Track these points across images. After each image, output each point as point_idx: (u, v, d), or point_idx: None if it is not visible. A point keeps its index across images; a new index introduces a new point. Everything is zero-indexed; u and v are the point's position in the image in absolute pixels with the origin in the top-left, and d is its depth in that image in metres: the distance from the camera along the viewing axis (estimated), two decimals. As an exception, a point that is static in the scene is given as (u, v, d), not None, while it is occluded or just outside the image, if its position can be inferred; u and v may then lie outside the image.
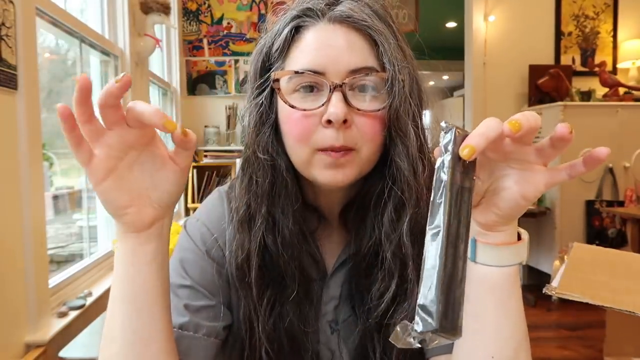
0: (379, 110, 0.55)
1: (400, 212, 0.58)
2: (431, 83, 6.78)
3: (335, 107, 0.53)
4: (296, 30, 0.57)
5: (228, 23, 3.68)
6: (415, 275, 0.58)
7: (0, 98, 1.31)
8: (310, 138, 0.55)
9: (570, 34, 3.74)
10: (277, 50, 0.58)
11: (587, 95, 3.48)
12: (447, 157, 0.39)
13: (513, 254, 0.46)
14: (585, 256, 0.93)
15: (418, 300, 0.37)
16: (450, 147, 0.39)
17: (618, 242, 3.27)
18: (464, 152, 0.37)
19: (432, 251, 0.38)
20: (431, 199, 0.39)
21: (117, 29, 2.33)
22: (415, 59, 0.62)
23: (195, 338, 0.58)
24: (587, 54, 3.74)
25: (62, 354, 1.29)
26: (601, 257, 0.95)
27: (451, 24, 5.73)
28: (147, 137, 0.46)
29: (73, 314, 1.57)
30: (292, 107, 0.55)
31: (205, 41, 3.66)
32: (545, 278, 3.27)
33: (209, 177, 3.33)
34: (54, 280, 1.66)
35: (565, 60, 3.70)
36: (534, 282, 3.55)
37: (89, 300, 1.69)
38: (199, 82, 3.67)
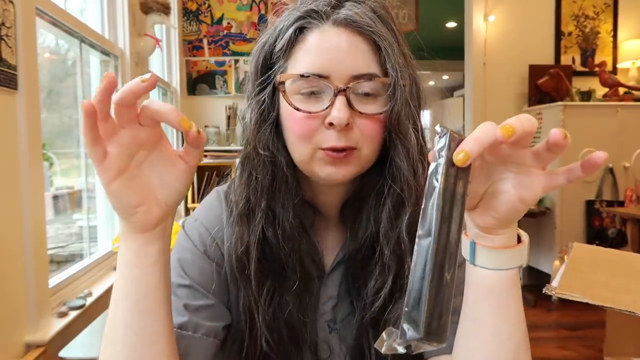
0: (380, 113, 0.57)
1: (400, 210, 0.59)
2: (431, 83, 6.77)
3: (339, 112, 0.53)
4: (300, 31, 0.58)
5: (228, 23, 3.67)
6: None
7: (0, 98, 1.31)
8: (312, 137, 0.56)
9: (570, 34, 3.73)
10: (280, 49, 0.59)
11: (587, 95, 3.47)
12: (441, 162, 0.38)
13: (512, 257, 0.45)
14: (585, 256, 0.93)
15: (404, 307, 0.37)
16: (444, 153, 0.38)
17: (618, 242, 3.27)
18: (458, 158, 0.37)
19: (421, 259, 0.37)
20: (422, 205, 0.38)
21: (117, 29, 2.33)
22: (415, 59, 0.62)
23: (194, 338, 0.58)
24: (587, 54, 3.74)
25: (62, 354, 1.28)
26: (601, 257, 0.95)
27: (451, 24, 5.73)
28: (157, 137, 0.47)
29: (73, 314, 1.57)
30: (297, 109, 0.56)
31: (205, 41, 3.66)
32: (545, 278, 3.27)
33: (209, 177, 3.33)
34: (54, 280, 1.67)
35: (565, 60, 3.70)
36: (533, 282, 3.55)
37: (89, 300, 1.70)
38: (199, 82, 3.67)
